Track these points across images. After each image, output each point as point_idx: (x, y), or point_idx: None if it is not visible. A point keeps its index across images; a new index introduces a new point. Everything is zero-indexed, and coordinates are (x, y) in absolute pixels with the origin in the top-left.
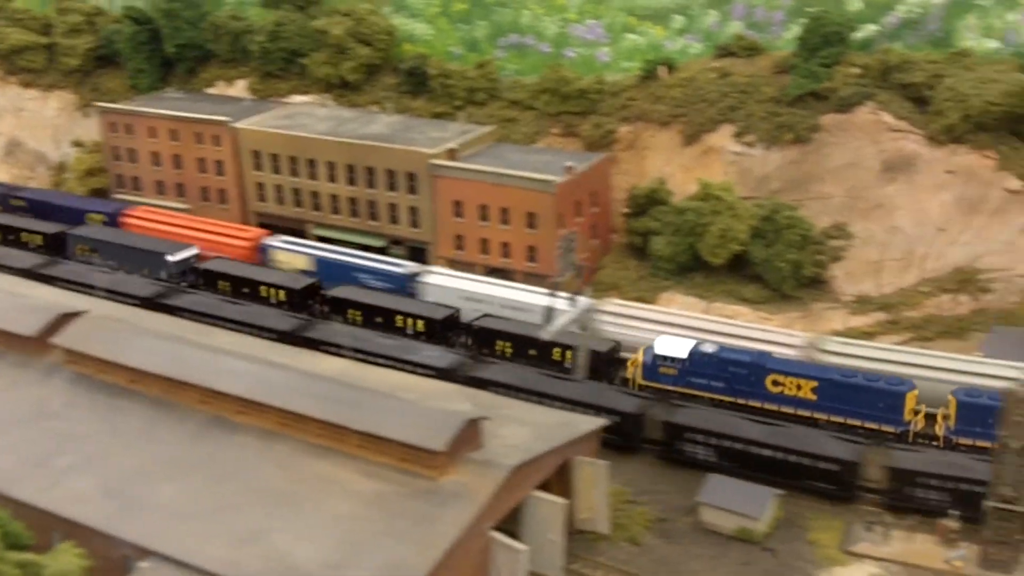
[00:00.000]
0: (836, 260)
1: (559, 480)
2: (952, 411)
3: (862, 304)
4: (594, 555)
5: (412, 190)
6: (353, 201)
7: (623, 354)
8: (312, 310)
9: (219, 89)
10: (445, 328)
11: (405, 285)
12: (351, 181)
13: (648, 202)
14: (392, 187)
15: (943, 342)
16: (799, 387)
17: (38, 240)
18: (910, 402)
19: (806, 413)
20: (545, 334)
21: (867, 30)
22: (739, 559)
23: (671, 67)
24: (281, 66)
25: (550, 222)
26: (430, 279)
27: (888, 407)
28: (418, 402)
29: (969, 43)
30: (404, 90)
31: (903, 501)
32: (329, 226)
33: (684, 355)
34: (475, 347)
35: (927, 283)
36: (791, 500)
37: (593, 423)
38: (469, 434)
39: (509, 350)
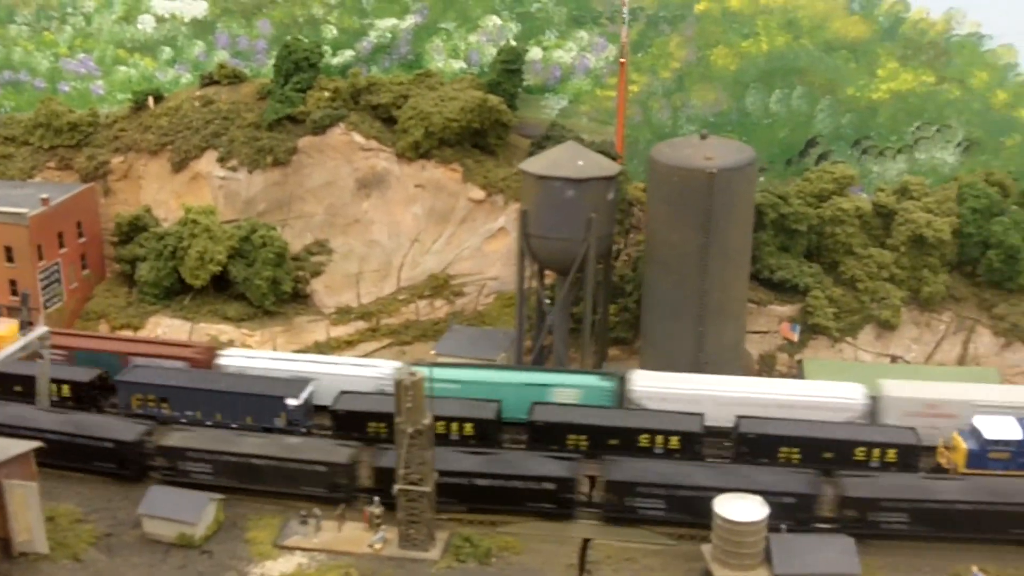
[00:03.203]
0: (317, 275)
1: None
2: None
3: (343, 315)
4: (33, 575)
5: None
6: None
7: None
8: None
9: None
10: None
11: None
12: None
13: (133, 229)
14: None
15: (420, 345)
16: None
17: (65, 391)
18: None
19: None
20: None
21: (344, 56)
22: (177, 564)
23: (158, 97)
24: None
25: (29, 255)
26: None
27: None
28: None
29: (438, 64)
30: None
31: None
32: None
33: (1021, 436)
34: None
35: (404, 291)
36: (234, 503)
37: (24, 446)
38: None
39: None
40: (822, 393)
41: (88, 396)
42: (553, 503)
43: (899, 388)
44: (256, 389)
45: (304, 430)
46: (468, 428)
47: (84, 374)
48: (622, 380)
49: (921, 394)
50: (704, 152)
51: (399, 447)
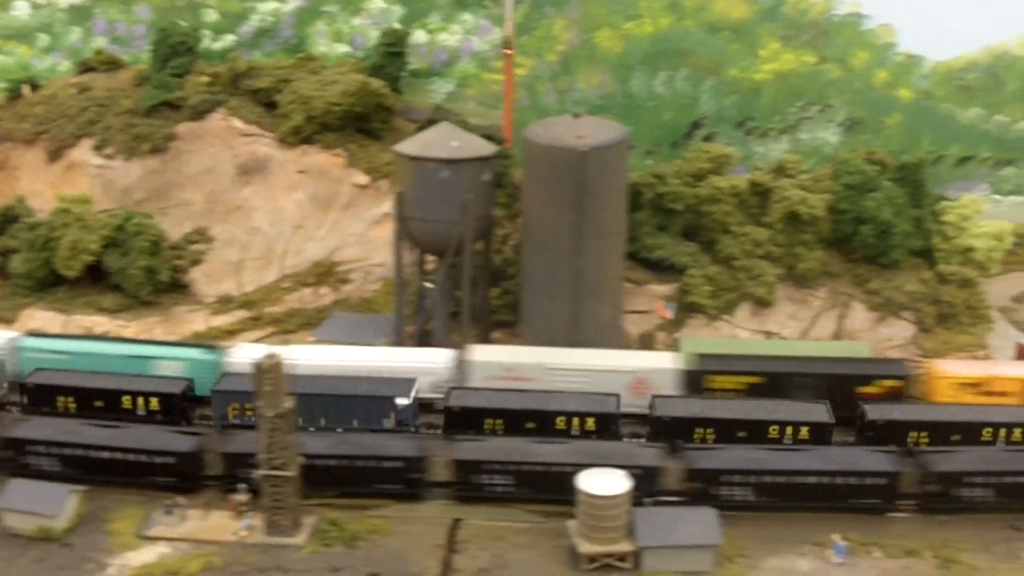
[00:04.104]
0: (196, 263)
1: None
2: None
3: (224, 304)
4: None
5: None
6: None
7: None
8: None
9: None
10: None
11: None
12: None
13: (5, 220)
14: None
15: (305, 333)
16: None
17: (153, 404)
18: None
19: None
20: None
21: (226, 40)
22: (36, 557)
23: (34, 85)
24: None
25: None
26: None
27: None
28: None
29: (321, 48)
30: None
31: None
32: None
33: None
34: None
35: (288, 279)
36: (97, 494)
37: None
38: None
39: None
40: (414, 359)
41: (178, 408)
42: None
43: (481, 353)
44: (363, 391)
45: (413, 429)
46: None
47: (172, 386)
48: (224, 352)
49: (500, 358)
50: (576, 131)
51: (260, 432)
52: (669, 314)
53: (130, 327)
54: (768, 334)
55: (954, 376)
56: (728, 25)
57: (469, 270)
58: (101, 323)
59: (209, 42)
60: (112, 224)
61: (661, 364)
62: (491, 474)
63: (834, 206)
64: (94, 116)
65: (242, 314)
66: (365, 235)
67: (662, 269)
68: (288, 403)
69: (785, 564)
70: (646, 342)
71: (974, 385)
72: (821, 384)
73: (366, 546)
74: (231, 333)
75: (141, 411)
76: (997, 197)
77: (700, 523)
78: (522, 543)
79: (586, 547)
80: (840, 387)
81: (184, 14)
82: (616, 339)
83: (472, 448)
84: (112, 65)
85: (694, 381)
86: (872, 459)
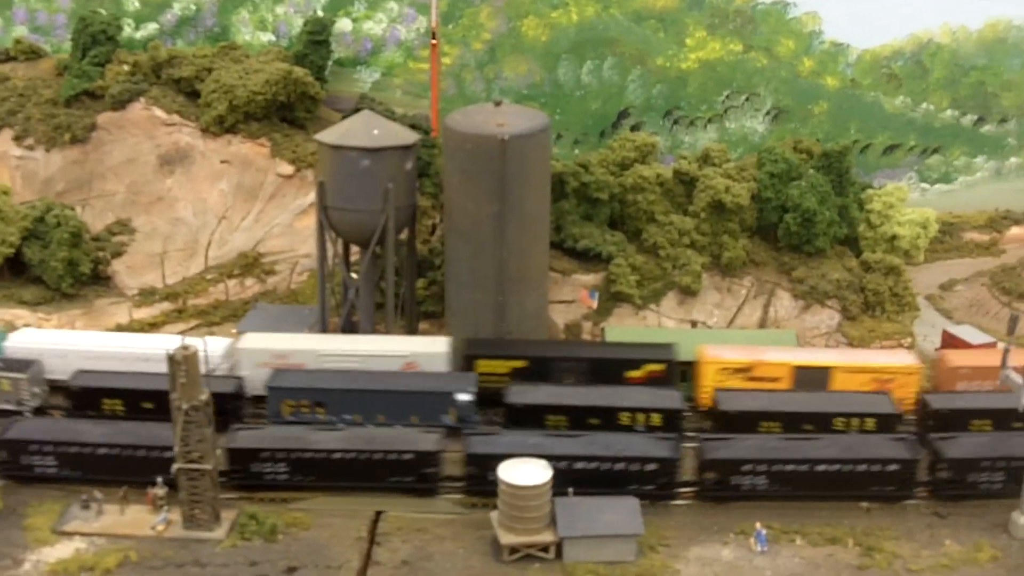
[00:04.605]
0: (118, 255)
1: None
2: None
3: (146, 296)
4: None
5: None
6: None
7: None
8: None
9: None
10: None
11: None
12: None
13: None
14: None
15: (230, 325)
16: None
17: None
18: None
19: None
20: None
21: (148, 29)
22: None
23: None
24: None
25: None
26: None
27: None
28: None
29: (245, 37)
30: None
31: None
32: None
33: None
34: None
35: (212, 270)
36: (13, 489)
37: None
38: None
39: None
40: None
41: (231, 408)
42: None
43: (251, 340)
44: (422, 386)
45: (475, 425)
46: None
47: (223, 384)
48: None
49: (269, 345)
50: (496, 119)
51: (175, 424)
52: (593, 303)
53: (51, 320)
54: (694, 323)
55: (721, 361)
56: (654, 14)
57: (393, 261)
58: (22, 316)
59: (130, 31)
60: (32, 216)
61: (431, 348)
62: (269, 462)
63: (758, 194)
64: (14, 106)
65: (166, 306)
66: (291, 226)
67: (588, 258)
68: (203, 395)
69: (708, 553)
70: (573, 331)
71: (741, 371)
72: (587, 368)
73: (286, 539)
74: (154, 326)
75: None
76: (924, 185)
77: (622, 513)
78: (445, 535)
79: (507, 538)
80: (608, 371)
81: (105, 3)
82: (541, 329)
83: (247, 437)
84: (32, 54)
85: (463, 365)
86: (653, 446)
